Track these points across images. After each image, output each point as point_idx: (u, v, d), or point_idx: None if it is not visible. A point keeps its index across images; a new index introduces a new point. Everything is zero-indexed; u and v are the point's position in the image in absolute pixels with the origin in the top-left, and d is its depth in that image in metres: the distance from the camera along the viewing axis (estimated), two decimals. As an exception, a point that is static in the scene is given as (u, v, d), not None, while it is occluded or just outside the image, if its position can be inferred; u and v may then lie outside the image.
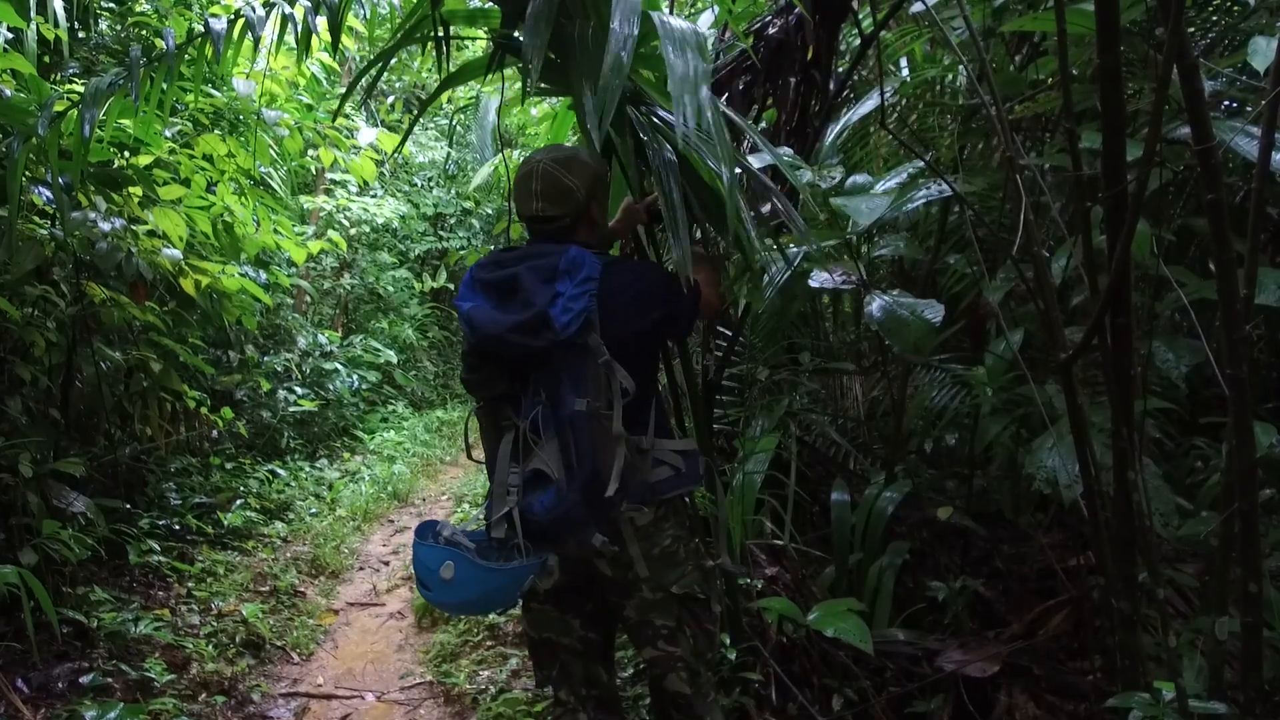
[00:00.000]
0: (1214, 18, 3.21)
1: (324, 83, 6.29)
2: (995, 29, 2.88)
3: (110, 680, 3.31)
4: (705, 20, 3.99)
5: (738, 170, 2.21)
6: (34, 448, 3.74)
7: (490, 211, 11.35)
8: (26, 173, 3.56)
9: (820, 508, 3.59)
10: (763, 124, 3.27)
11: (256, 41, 2.93)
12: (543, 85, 2.44)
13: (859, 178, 3.01)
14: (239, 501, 5.48)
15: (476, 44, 3.49)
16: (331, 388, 7.74)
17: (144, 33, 4.85)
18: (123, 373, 4.58)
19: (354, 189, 9.04)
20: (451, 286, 11.08)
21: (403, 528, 6.02)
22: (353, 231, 9.24)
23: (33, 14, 3.69)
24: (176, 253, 4.32)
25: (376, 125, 8.28)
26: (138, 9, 4.96)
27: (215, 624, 3.97)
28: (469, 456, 2.28)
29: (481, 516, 2.15)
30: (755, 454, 3.44)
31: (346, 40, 5.48)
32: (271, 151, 5.27)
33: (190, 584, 4.34)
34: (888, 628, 3.00)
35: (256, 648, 3.93)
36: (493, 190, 9.36)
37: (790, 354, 4.14)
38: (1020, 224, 2.03)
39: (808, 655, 2.93)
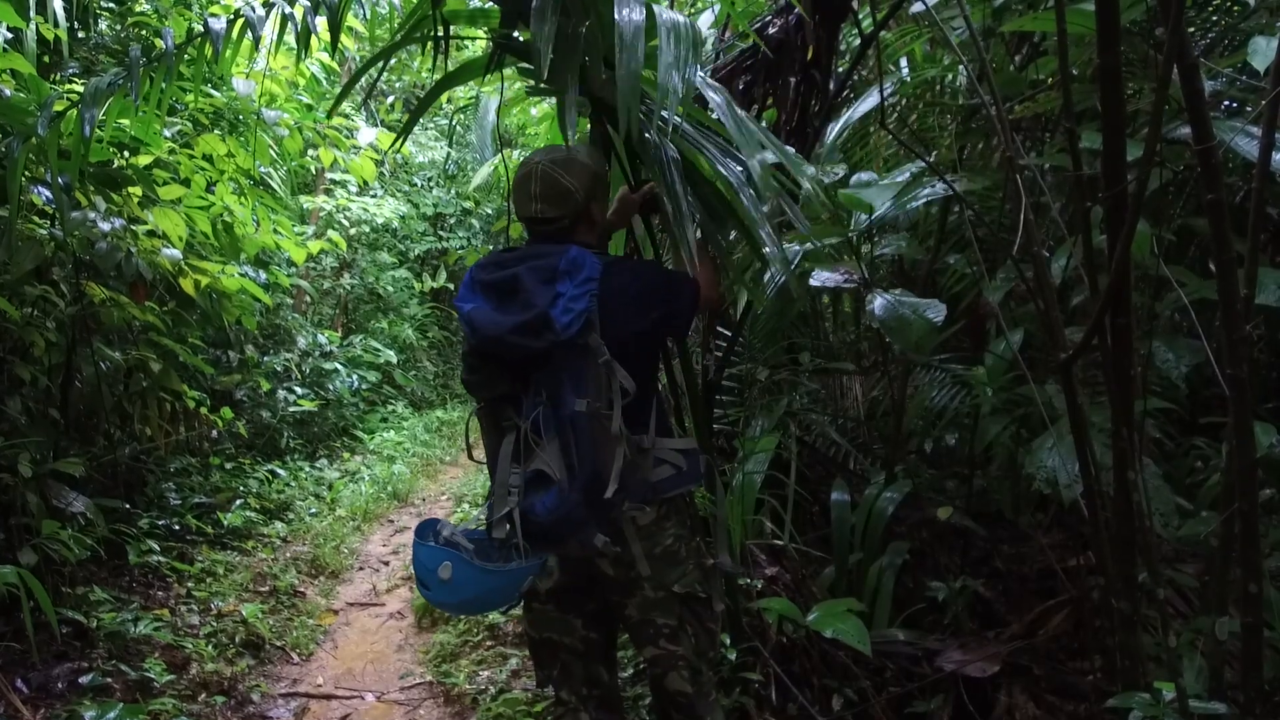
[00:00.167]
0: (1214, 18, 3.21)
1: (324, 83, 6.28)
2: (995, 29, 2.89)
3: (110, 680, 3.31)
4: (705, 20, 4.00)
5: (742, 166, 2.21)
6: (34, 448, 3.74)
7: (490, 211, 11.35)
8: (26, 172, 3.56)
9: (820, 508, 3.58)
10: (763, 124, 3.27)
11: (256, 41, 2.93)
12: (543, 85, 2.44)
13: (862, 175, 3.01)
14: (239, 501, 5.48)
15: (476, 44, 3.49)
16: (331, 388, 7.74)
17: (143, 32, 4.85)
18: (122, 373, 4.57)
19: (354, 189, 9.04)
20: (451, 286, 11.09)
21: (403, 528, 6.01)
22: (352, 231, 9.24)
23: (32, 14, 3.69)
24: (176, 253, 4.32)
25: (376, 125, 8.27)
26: (137, 9, 4.96)
27: (215, 624, 3.97)
28: (470, 457, 2.28)
29: (482, 516, 2.15)
30: (755, 454, 3.43)
31: (346, 40, 5.48)
32: (271, 151, 5.27)
33: (190, 584, 4.34)
34: (888, 628, 2.99)
35: (256, 648, 3.93)
36: (492, 190, 9.36)
37: (790, 354, 4.14)
38: (1020, 224, 2.03)
39: (808, 655, 2.93)
